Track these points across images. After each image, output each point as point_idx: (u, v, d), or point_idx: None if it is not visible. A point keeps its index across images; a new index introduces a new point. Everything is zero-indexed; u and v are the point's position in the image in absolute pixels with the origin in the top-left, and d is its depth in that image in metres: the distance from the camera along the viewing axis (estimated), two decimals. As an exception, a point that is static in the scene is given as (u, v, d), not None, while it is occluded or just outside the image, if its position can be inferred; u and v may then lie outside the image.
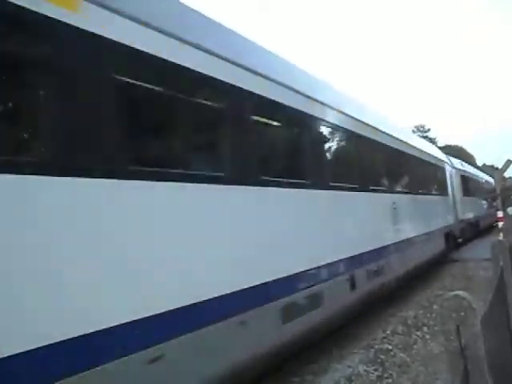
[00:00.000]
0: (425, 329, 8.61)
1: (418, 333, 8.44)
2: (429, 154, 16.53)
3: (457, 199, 20.17)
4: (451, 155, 25.46)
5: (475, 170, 33.20)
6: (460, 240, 20.18)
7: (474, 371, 2.42)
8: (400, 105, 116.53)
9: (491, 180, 36.71)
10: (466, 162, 32.40)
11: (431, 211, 15.34)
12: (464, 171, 24.72)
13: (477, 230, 25.46)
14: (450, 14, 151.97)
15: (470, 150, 70.93)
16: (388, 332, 8.63)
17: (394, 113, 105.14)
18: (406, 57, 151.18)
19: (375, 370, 6.79)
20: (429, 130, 70.66)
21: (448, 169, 19.40)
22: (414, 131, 58.17)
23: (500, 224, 21.48)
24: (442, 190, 17.93)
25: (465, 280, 12.68)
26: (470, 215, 23.34)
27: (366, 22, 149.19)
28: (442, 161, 19.01)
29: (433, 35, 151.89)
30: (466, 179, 24.34)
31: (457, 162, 23.78)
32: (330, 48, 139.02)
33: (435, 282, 13.47)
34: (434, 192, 16.68)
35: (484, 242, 18.98)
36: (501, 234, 17.70)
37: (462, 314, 2.46)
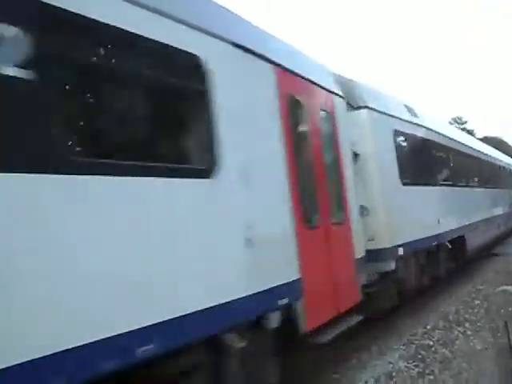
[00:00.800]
0: (467, 324, 8.43)
1: (460, 328, 8.27)
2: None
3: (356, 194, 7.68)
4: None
5: (455, 130, 18.15)
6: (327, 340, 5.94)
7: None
8: (437, 97, 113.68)
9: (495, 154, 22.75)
10: (507, 155, 28.08)
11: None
12: (409, 124, 10.62)
13: (456, 261, 12.73)
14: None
15: (511, 142, 68.26)
16: (428, 327, 8.49)
17: (432, 105, 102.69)
18: (445, 50, 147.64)
19: (416, 366, 6.71)
20: (466, 122, 68.70)
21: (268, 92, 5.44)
22: (450, 123, 56.60)
23: None
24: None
25: (507, 275, 12.36)
26: (431, 231, 10.44)
27: (394, 16, 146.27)
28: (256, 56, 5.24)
29: (471, 29, 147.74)
30: (413, 142, 10.83)
31: (388, 101, 10.09)
32: (367, 46, 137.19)
33: (476, 276, 13.18)
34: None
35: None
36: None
37: (510, 309, 2.42)
